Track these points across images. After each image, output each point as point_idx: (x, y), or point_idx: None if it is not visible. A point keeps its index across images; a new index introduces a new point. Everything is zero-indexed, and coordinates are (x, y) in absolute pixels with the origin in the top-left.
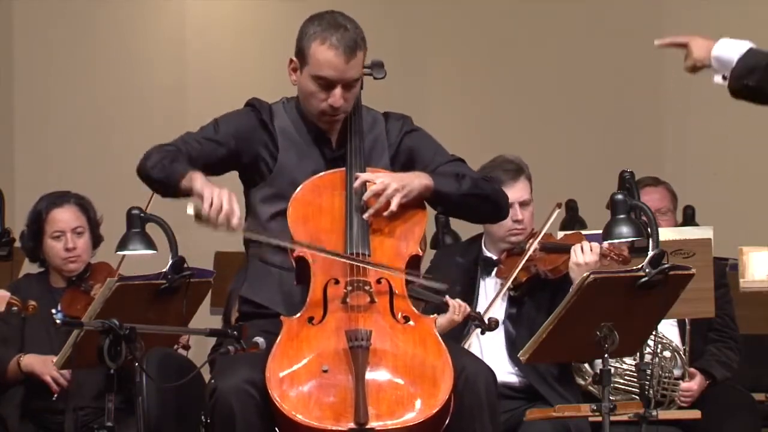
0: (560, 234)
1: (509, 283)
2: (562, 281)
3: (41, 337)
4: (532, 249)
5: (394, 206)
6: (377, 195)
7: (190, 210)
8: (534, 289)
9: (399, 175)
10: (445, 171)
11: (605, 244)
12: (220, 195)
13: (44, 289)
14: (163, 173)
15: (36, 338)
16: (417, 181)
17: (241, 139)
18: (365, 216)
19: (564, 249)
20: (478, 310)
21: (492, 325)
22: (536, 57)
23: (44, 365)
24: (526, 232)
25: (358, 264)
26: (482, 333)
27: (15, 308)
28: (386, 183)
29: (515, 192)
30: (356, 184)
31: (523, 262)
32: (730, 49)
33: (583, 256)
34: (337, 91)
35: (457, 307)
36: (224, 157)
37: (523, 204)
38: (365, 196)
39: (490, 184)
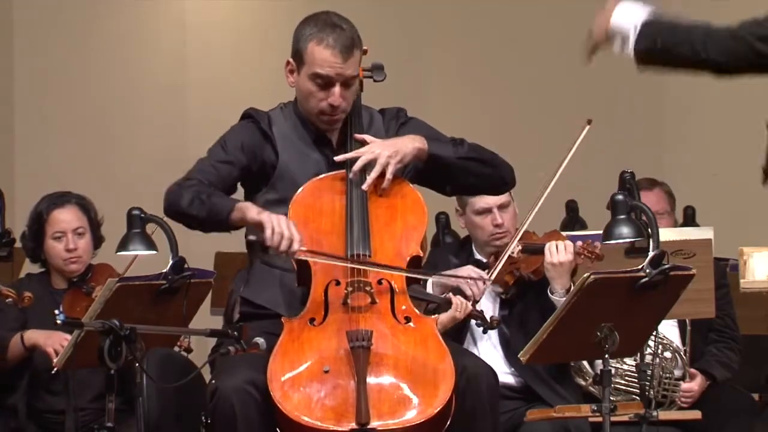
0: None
1: (490, 282)
2: (546, 281)
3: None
4: (510, 249)
5: (389, 174)
6: (370, 164)
7: (252, 238)
8: (523, 291)
9: (391, 140)
10: (442, 138)
11: (578, 242)
12: (280, 222)
13: (45, 290)
14: (205, 210)
15: None
16: (410, 144)
17: (249, 152)
18: (363, 187)
19: (542, 250)
20: (480, 309)
21: (494, 324)
22: (536, 56)
23: (47, 337)
24: (510, 234)
25: (367, 268)
26: (484, 332)
27: (10, 299)
28: (377, 152)
29: (494, 196)
30: (343, 158)
31: (502, 262)
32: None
33: (557, 255)
34: (336, 89)
35: (459, 305)
36: (239, 175)
37: (501, 207)
38: (356, 167)
39: (491, 152)
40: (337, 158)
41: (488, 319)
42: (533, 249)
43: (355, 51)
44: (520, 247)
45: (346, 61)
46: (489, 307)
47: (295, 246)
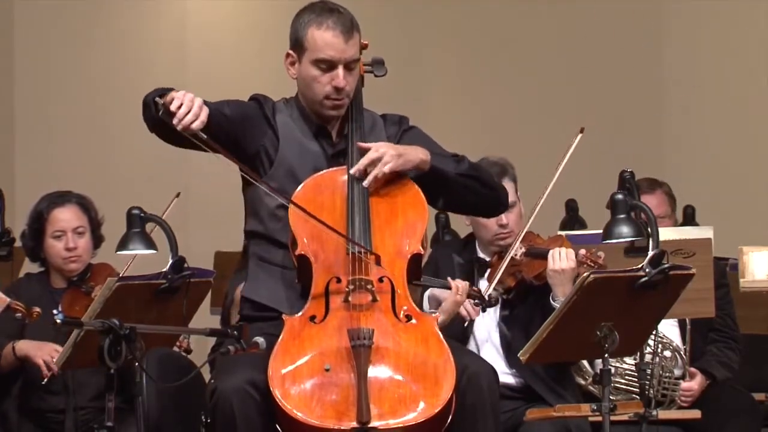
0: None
1: (491, 289)
2: (548, 285)
3: (43, 338)
4: (511, 253)
5: (387, 169)
6: (374, 162)
7: (159, 100)
8: (525, 292)
9: (397, 146)
10: (444, 154)
11: (582, 251)
12: (193, 99)
13: (44, 289)
14: (152, 96)
15: (37, 339)
16: (414, 153)
17: (247, 125)
18: (365, 184)
19: (546, 255)
20: (477, 287)
21: (492, 302)
22: (536, 56)
23: (38, 349)
24: (514, 234)
25: (357, 248)
26: (483, 310)
27: (19, 314)
28: (383, 151)
29: None
30: (356, 170)
31: (504, 266)
32: None
33: (560, 262)
34: (340, 71)
35: (460, 288)
36: (226, 130)
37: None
38: (361, 163)
39: (489, 173)
40: (352, 171)
41: (486, 297)
42: (536, 253)
43: (355, 33)
44: (523, 250)
45: (348, 42)
46: (490, 308)
47: (196, 125)
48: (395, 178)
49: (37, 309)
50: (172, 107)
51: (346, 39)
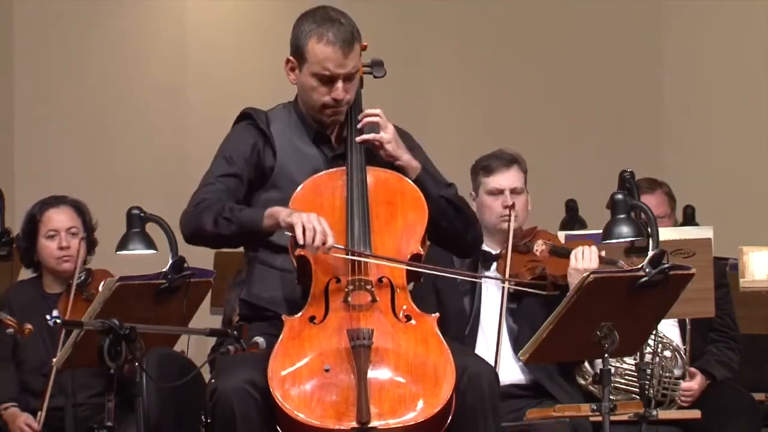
0: (561, 234)
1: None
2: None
3: (37, 344)
4: (511, 229)
5: (385, 138)
6: (380, 127)
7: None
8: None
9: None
10: (437, 176)
11: (620, 261)
12: (310, 219)
13: (37, 294)
14: (235, 226)
15: (31, 345)
16: (408, 155)
17: (252, 159)
18: (357, 140)
19: (569, 254)
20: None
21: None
22: (537, 56)
23: (13, 421)
24: (519, 219)
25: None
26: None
27: (11, 330)
28: (389, 128)
29: (507, 178)
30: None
31: (509, 257)
32: None
33: (582, 262)
34: (339, 84)
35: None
36: (246, 185)
37: (514, 191)
38: (365, 117)
39: (473, 213)
40: (360, 123)
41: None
42: (561, 252)
43: (356, 44)
44: (544, 247)
45: (347, 56)
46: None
47: (330, 241)
48: (395, 179)
49: (29, 326)
50: (299, 239)
51: (345, 53)
